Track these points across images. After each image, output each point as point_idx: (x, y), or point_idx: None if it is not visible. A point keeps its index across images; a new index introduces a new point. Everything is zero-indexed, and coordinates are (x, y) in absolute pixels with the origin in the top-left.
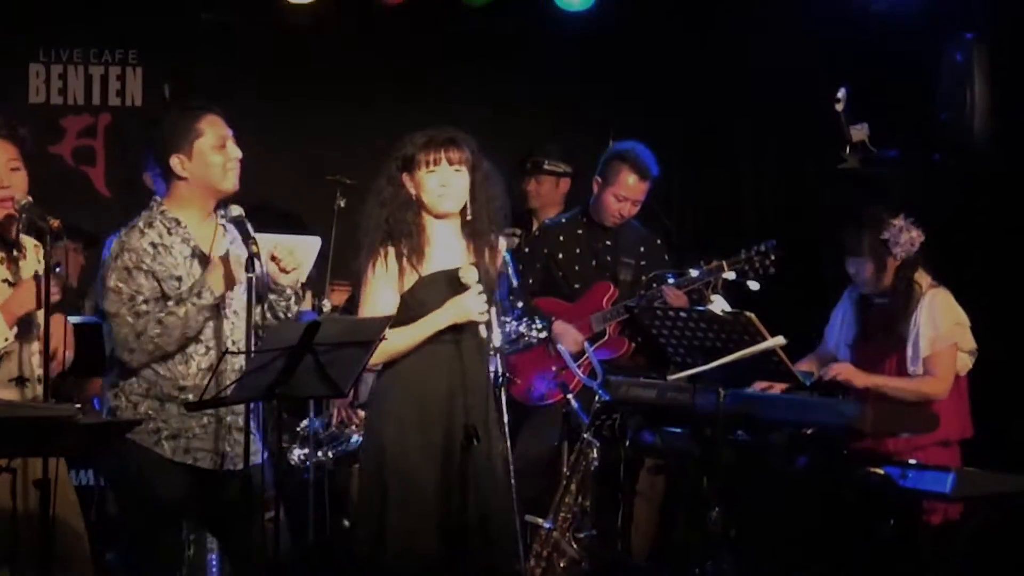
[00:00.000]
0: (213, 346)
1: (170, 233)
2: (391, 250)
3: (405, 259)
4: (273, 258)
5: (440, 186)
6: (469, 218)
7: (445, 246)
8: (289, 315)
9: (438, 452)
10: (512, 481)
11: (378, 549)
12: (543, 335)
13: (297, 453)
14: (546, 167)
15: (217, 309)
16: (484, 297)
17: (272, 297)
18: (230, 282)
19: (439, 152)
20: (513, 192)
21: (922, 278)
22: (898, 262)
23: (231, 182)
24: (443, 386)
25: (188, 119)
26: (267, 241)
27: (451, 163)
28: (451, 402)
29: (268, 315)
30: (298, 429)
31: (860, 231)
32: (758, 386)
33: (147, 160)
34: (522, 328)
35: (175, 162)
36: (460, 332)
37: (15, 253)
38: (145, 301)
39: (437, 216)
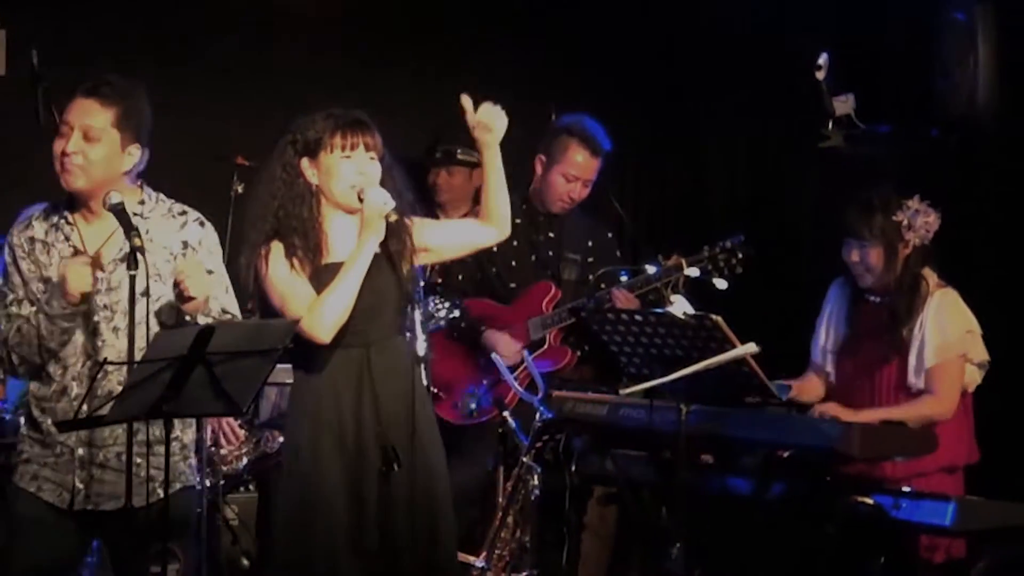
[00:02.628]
0: (71, 364)
1: (57, 229)
2: (278, 246)
3: (295, 256)
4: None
5: (358, 174)
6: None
7: (345, 239)
8: None
9: (348, 475)
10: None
11: None
12: (455, 315)
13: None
14: (459, 156)
15: (88, 323)
16: (383, 192)
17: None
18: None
19: (356, 136)
20: (418, 184)
21: (929, 275)
22: (908, 250)
23: (64, 180)
24: (352, 397)
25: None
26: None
27: (367, 149)
28: (359, 417)
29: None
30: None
31: (869, 211)
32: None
33: None
34: (429, 307)
35: None
36: (370, 335)
37: None
38: (16, 302)
39: (348, 211)
